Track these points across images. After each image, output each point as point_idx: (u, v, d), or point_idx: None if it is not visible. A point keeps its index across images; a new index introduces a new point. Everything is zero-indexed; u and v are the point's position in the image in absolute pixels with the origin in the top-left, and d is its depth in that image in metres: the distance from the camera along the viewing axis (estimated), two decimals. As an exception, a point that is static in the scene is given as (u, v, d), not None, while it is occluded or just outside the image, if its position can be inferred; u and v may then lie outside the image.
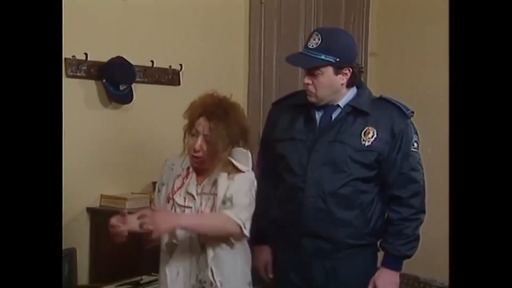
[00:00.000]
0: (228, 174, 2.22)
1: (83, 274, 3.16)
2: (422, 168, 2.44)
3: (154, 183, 3.42)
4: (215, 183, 2.23)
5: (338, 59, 2.32)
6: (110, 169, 3.28)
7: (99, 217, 3.19)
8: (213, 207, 2.21)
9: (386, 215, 2.45)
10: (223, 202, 2.18)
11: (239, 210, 2.17)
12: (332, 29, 2.66)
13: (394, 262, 2.43)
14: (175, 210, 2.25)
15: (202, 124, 2.18)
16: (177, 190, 2.27)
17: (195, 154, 2.20)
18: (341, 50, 2.34)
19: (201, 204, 2.23)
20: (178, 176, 2.29)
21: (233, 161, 2.23)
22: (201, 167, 2.25)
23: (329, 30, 2.56)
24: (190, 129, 2.22)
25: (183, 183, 2.27)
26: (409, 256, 2.43)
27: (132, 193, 3.32)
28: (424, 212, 2.44)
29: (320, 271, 2.43)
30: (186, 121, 2.25)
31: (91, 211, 3.20)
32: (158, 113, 3.45)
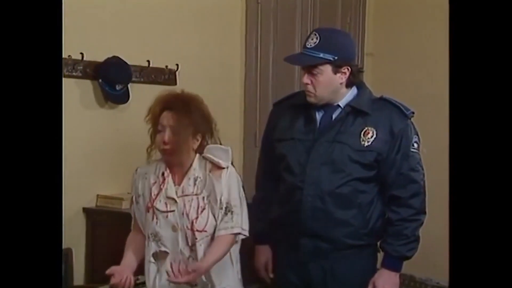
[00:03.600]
0: (209, 171, 2.24)
1: (79, 275, 3.15)
2: (423, 169, 2.43)
3: (150, 183, 3.42)
4: (195, 182, 2.24)
5: (336, 57, 2.33)
6: (106, 169, 3.27)
7: (95, 217, 3.19)
8: (198, 208, 2.22)
9: (386, 215, 2.45)
10: (225, 213, 2.21)
11: (240, 218, 2.23)
12: (331, 29, 2.69)
13: (393, 263, 2.43)
14: (156, 217, 2.25)
15: (166, 117, 2.22)
16: (156, 197, 2.26)
17: (165, 147, 2.22)
18: (339, 49, 2.35)
19: (184, 206, 2.23)
20: (154, 183, 2.29)
21: (211, 156, 2.25)
22: (173, 159, 2.26)
23: (327, 30, 2.58)
24: (156, 127, 2.24)
25: (160, 189, 2.27)
26: (408, 257, 2.43)
27: (128, 193, 3.28)
28: (424, 213, 2.43)
29: (318, 271, 2.43)
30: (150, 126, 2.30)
31: (87, 211, 3.19)
32: (154, 113, 3.44)
